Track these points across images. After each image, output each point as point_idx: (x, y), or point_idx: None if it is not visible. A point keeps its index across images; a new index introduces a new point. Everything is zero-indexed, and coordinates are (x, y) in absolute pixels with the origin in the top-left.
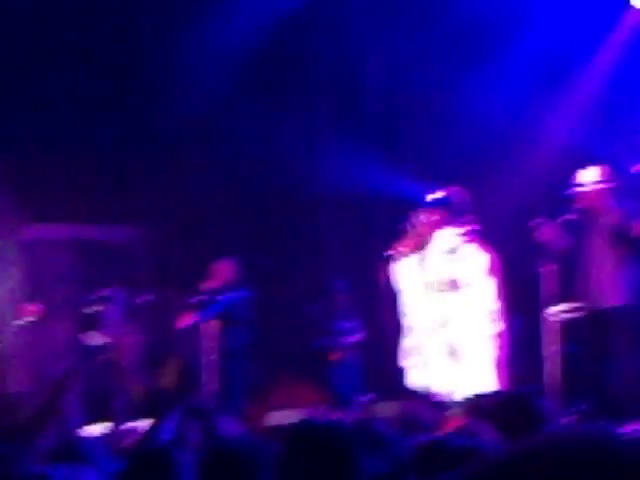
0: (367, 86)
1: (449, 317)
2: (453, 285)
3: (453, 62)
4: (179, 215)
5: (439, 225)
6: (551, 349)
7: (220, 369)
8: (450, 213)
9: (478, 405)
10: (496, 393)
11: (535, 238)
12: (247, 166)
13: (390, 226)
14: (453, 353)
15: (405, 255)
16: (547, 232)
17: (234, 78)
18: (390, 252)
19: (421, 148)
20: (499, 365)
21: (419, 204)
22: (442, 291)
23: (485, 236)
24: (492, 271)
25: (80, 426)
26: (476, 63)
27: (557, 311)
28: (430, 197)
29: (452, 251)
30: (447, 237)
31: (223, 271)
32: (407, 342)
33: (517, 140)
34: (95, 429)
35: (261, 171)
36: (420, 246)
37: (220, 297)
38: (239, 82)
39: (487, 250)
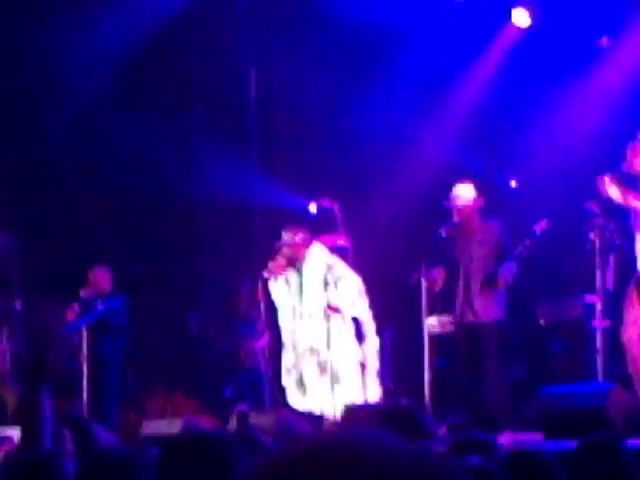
0: (248, 96)
1: (324, 340)
2: (329, 310)
3: (337, 75)
4: (55, 221)
5: (307, 243)
6: (428, 361)
7: (94, 377)
8: (320, 227)
9: (353, 416)
10: (373, 405)
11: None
12: (125, 171)
13: (266, 236)
14: (327, 373)
15: (277, 275)
16: (431, 281)
17: (112, 82)
18: (265, 273)
19: (299, 161)
20: (376, 378)
21: (292, 218)
22: (317, 316)
23: (360, 249)
24: (363, 292)
25: None
26: (358, 77)
27: (432, 323)
28: (311, 207)
29: (326, 282)
30: (319, 258)
31: (99, 279)
32: (284, 360)
33: (395, 156)
34: None
35: (138, 178)
36: (291, 264)
37: (96, 304)
38: (117, 87)
39: (357, 266)
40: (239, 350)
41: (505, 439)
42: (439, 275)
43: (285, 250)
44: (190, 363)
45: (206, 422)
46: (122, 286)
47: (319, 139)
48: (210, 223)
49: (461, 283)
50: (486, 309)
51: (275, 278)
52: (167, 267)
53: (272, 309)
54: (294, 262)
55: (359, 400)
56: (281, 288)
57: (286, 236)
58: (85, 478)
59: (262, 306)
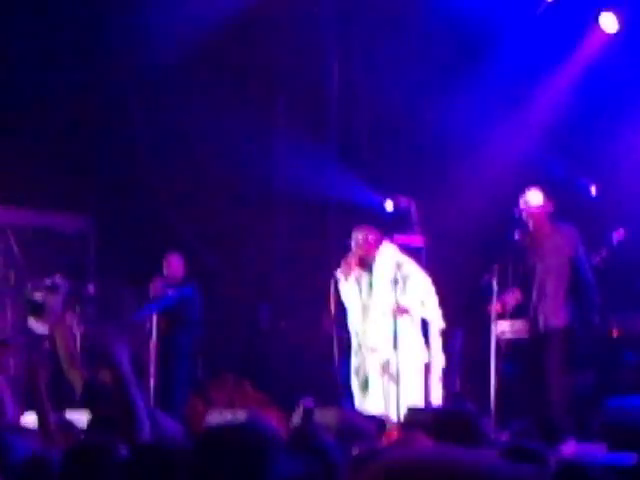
0: (330, 90)
1: (390, 340)
2: (398, 311)
3: (421, 72)
4: (131, 206)
5: (378, 243)
6: (494, 367)
7: (165, 366)
8: (396, 225)
9: (415, 419)
10: (434, 409)
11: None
12: (204, 160)
13: (341, 232)
14: (393, 374)
15: (349, 275)
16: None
17: (190, 69)
18: (337, 273)
19: (378, 158)
20: (439, 381)
21: (368, 215)
22: (386, 316)
23: (433, 250)
24: (432, 291)
25: (17, 416)
26: (442, 75)
27: (503, 329)
28: (387, 205)
29: (395, 280)
30: (390, 257)
31: (172, 265)
32: (352, 362)
33: (475, 157)
34: (31, 419)
35: (217, 166)
36: (362, 264)
37: (167, 291)
38: (194, 74)
39: (430, 267)
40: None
41: (567, 449)
42: (513, 297)
43: (356, 250)
44: (260, 355)
45: (271, 415)
46: (195, 274)
47: (399, 136)
48: (286, 215)
49: (535, 290)
50: (556, 316)
51: (346, 278)
52: (240, 257)
53: (342, 309)
54: (365, 262)
55: (421, 402)
56: (351, 288)
57: (357, 235)
58: (131, 467)
59: (332, 305)
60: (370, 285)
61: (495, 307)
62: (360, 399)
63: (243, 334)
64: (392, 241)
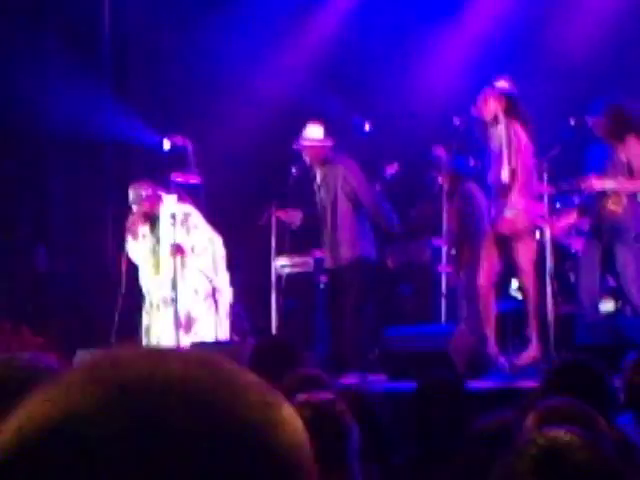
0: (102, 26)
1: (176, 286)
2: (178, 250)
3: (195, 6)
4: None
5: (157, 196)
6: (277, 302)
7: None
8: (172, 164)
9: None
10: (224, 342)
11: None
12: None
13: (119, 171)
14: (183, 324)
15: (136, 233)
16: (285, 215)
17: None
18: (125, 235)
19: (153, 96)
20: (227, 317)
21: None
22: (170, 256)
23: (210, 188)
24: (215, 241)
25: None
26: (215, 7)
27: (282, 264)
28: (164, 144)
29: (173, 216)
30: (173, 208)
31: None
32: (143, 320)
33: (247, 93)
34: None
35: None
36: (147, 219)
37: None
38: None
39: (208, 205)
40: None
41: (350, 380)
42: (297, 214)
43: (138, 207)
44: (38, 300)
45: (51, 358)
46: None
47: (172, 73)
48: (61, 152)
49: (325, 223)
50: (349, 248)
51: (134, 237)
52: (15, 202)
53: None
54: (149, 217)
55: (211, 339)
56: (140, 246)
57: (135, 192)
58: None
59: (123, 267)
60: (158, 240)
61: (288, 220)
62: None
63: (20, 278)
64: (170, 183)
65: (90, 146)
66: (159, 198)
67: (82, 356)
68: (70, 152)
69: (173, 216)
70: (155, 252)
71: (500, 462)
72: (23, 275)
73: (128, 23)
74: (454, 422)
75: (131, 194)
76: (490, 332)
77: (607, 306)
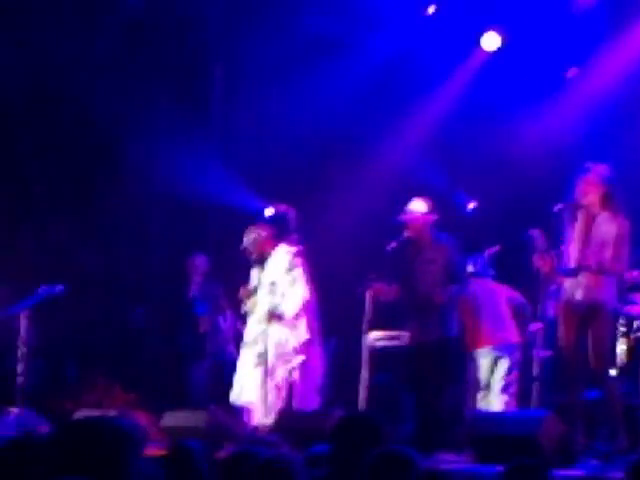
0: (213, 90)
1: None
2: (272, 316)
3: (295, 70)
4: None
5: (274, 239)
6: (364, 375)
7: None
8: (279, 231)
9: (286, 423)
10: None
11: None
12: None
13: (221, 234)
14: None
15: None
16: (377, 290)
17: None
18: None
19: (260, 162)
20: (314, 388)
21: (251, 218)
22: (263, 320)
23: (311, 259)
24: (308, 303)
25: None
26: (325, 80)
27: (375, 338)
28: (267, 211)
29: (273, 284)
30: (280, 257)
31: None
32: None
33: (356, 166)
34: None
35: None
36: (258, 260)
37: (38, 289)
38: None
39: (309, 275)
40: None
41: (443, 458)
42: (390, 289)
43: (251, 247)
44: (132, 357)
45: (140, 416)
46: (66, 276)
47: (280, 142)
48: (164, 217)
49: (411, 300)
50: (436, 326)
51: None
52: (115, 259)
53: None
54: (261, 257)
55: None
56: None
57: (251, 233)
58: None
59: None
60: (259, 281)
61: (379, 293)
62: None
63: (116, 334)
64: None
65: (193, 208)
66: (276, 240)
67: (169, 418)
68: (173, 213)
69: (273, 284)
70: (255, 291)
71: None
72: (119, 332)
73: (240, 85)
74: None
75: (248, 234)
76: (580, 420)
77: None
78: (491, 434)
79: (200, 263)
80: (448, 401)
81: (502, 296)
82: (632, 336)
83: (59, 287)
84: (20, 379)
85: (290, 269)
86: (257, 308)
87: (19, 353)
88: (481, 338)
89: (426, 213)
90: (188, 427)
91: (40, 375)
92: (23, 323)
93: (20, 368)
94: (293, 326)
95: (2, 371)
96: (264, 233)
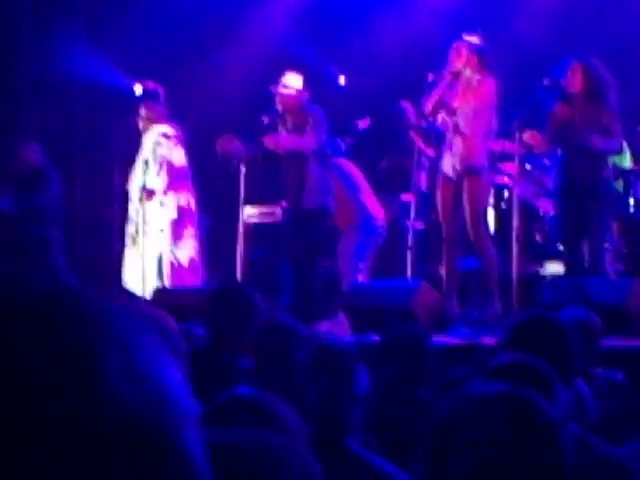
0: None
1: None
2: (148, 195)
3: None
4: None
5: (156, 119)
6: (240, 251)
7: None
8: (152, 109)
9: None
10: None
11: (218, 151)
12: None
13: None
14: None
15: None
16: (226, 145)
17: None
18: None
19: (126, 39)
20: (193, 266)
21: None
22: (140, 200)
23: (186, 132)
24: (181, 179)
25: None
26: None
27: (249, 214)
28: (135, 88)
29: (146, 162)
30: (153, 136)
31: None
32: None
33: (223, 37)
34: None
35: None
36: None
37: None
38: None
39: (184, 150)
40: None
41: (322, 327)
42: (238, 145)
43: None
44: None
45: None
46: None
47: (145, 17)
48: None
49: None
50: (315, 194)
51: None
52: None
53: None
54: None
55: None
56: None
57: (142, 110)
58: None
59: None
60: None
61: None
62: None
63: None
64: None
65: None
66: (156, 121)
67: None
68: (43, 93)
69: (146, 162)
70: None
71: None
72: None
73: None
74: (416, 377)
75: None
76: (454, 289)
77: (554, 268)
78: (367, 305)
79: None
80: (322, 272)
81: (359, 174)
82: (502, 206)
83: None
84: None
85: (160, 147)
86: (133, 186)
87: None
88: (349, 215)
89: (300, 90)
90: None
91: None
92: None
93: None
94: (164, 204)
95: None
96: (142, 111)
